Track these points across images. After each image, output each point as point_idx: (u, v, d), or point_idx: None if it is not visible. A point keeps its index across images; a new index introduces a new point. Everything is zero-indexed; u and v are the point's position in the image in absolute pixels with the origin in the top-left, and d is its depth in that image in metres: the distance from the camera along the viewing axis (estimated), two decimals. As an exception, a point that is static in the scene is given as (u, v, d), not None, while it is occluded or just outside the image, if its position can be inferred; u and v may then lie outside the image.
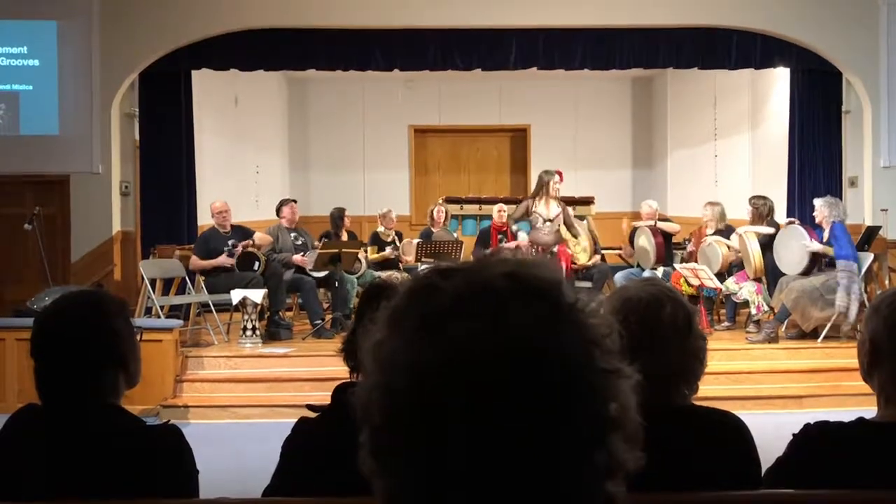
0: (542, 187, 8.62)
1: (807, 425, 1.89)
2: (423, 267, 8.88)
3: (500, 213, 9.77)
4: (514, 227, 9.13)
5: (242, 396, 7.27)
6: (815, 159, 9.80)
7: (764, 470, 1.95)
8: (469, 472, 0.73)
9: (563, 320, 0.77)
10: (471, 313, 0.75)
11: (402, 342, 0.76)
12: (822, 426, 1.87)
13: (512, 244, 9.31)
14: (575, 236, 9.07)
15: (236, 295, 7.91)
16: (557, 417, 0.73)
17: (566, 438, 0.74)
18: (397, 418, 0.75)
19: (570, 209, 9.06)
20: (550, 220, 8.61)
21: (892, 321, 1.83)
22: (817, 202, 8.04)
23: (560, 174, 8.77)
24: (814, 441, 1.86)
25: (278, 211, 9.15)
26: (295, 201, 9.37)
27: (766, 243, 8.18)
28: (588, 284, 8.82)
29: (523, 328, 0.75)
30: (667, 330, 1.87)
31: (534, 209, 8.60)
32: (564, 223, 8.69)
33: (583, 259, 9.13)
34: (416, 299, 0.79)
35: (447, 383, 0.73)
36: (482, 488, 0.73)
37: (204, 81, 10.29)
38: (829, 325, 7.74)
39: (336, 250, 8.61)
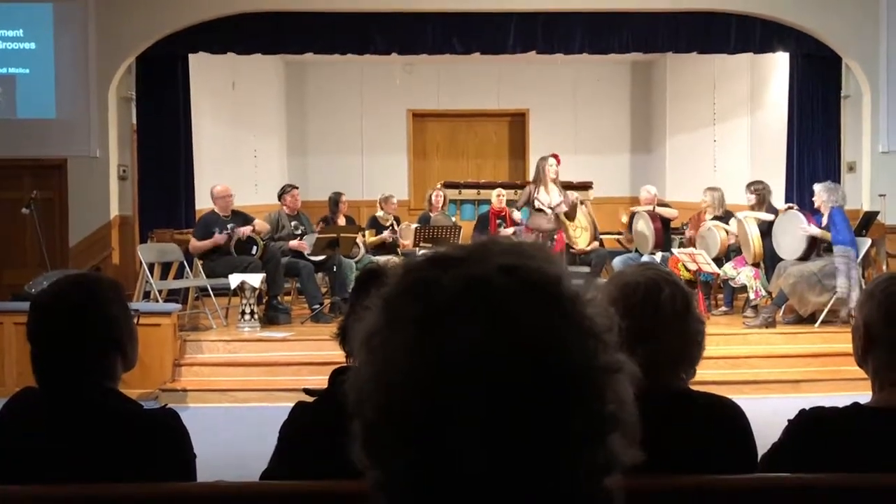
0: (539, 172, 8.66)
1: (802, 410, 1.90)
2: (421, 252, 8.88)
3: (499, 197, 9.76)
4: (517, 215, 9.14)
5: (241, 380, 7.29)
6: (814, 144, 9.78)
7: (760, 455, 1.95)
8: (463, 468, 0.72)
9: (564, 316, 0.75)
10: (469, 312, 0.74)
11: (398, 338, 0.75)
12: (817, 411, 1.87)
13: (510, 229, 9.32)
14: (570, 219, 9.05)
15: (235, 279, 7.90)
16: (556, 416, 0.73)
17: (564, 437, 0.73)
18: (391, 413, 0.74)
19: (574, 194, 9.05)
20: (553, 208, 8.61)
21: (886, 306, 1.83)
22: (816, 187, 8.05)
23: (556, 157, 8.77)
24: (809, 426, 1.86)
25: (280, 197, 9.14)
26: (297, 188, 9.35)
27: (765, 229, 8.19)
28: (586, 269, 8.83)
29: (522, 327, 0.73)
30: (666, 314, 1.87)
31: (536, 196, 8.61)
32: (565, 211, 8.69)
33: (583, 242, 9.13)
34: (413, 294, 0.77)
35: (443, 382, 0.72)
36: (477, 485, 0.72)
37: (201, 65, 10.24)
38: (826, 310, 7.76)
39: (334, 235, 8.61)
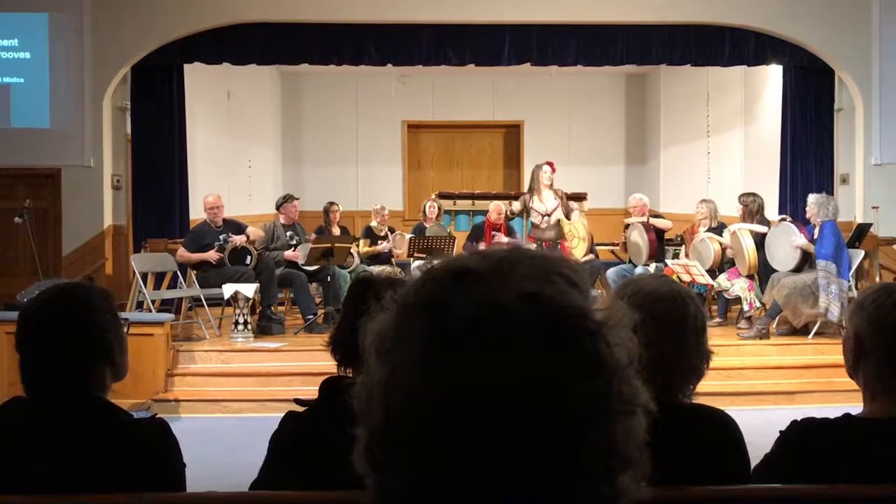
0: (534, 180, 8.68)
1: (794, 422, 1.89)
2: (418, 263, 8.87)
3: (498, 214, 9.61)
4: (511, 223, 9.14)
5: (234, 391, 7.26)
6: (808, 157, 9.82)
7: (753, 466, 1.95)
8: (463, 491, 0.71)
9: (582, 353, 0.73)
10: (480, 340, 0.71)
11: (407, 354, 0.74)
12: (809, 422, 1.87)
13: (505, 240, 9.31)
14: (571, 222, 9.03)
15: (228, 289, 7.89)
16: (562, 452, 0.71)
17: (571, 472, 0.72)
18: (393, 428, 0.73)
19: (572, 203, 9.03)
20: (549, 214, 8.61)
21: (875, 317, 1.83)
22: (810, 198, 8.07)
23: (551, 164, 8.78)
24: (800, 437, 1.86)
25: (279, 206, 9.13)
26: (297, 198, 9.33)
27: (758, 241, 8.20)
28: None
29: (534, 362, 0.71)
30: (690, 328, 1.87)
31: (531, 205, 8.61)
32: (564, 214, 8.69)
33: (580, 252, 9.12)
34: (426, 311, 0.75)
35: (447, 407, 0.71)
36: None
37: (196, 75, 10.25)
38: (819, 322, 7.77)
39: (328, 245, 8.61)
